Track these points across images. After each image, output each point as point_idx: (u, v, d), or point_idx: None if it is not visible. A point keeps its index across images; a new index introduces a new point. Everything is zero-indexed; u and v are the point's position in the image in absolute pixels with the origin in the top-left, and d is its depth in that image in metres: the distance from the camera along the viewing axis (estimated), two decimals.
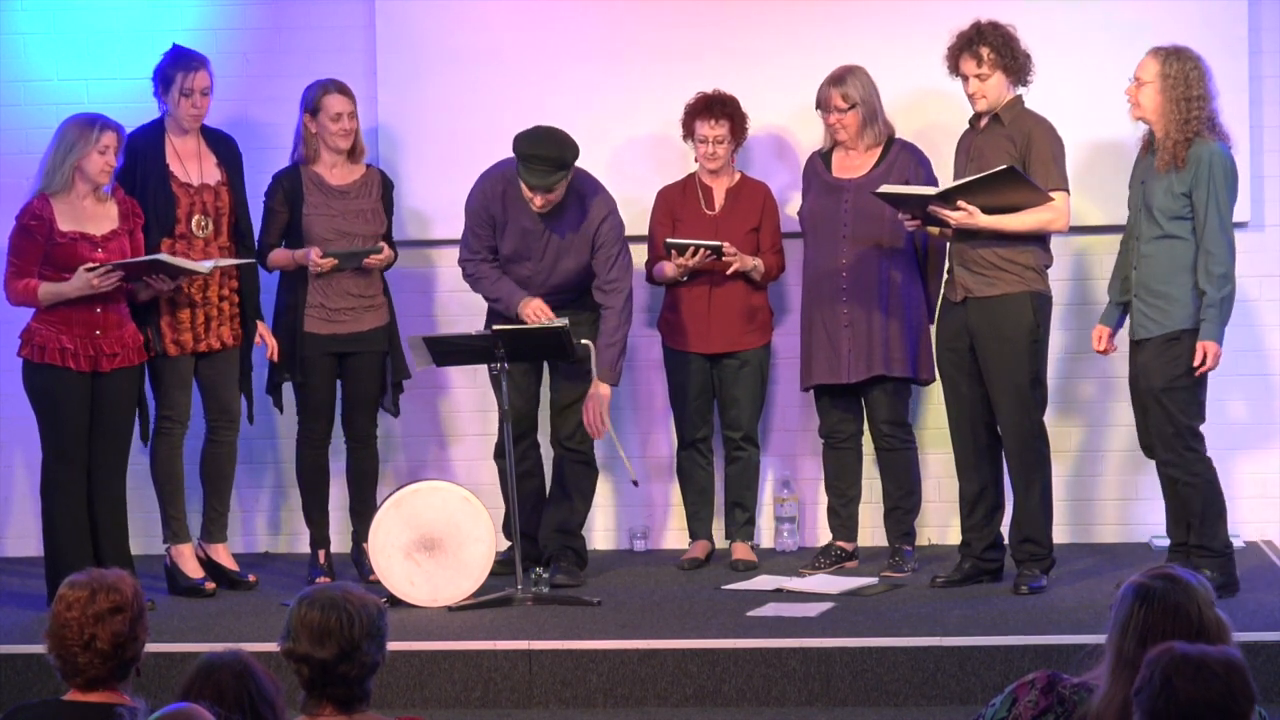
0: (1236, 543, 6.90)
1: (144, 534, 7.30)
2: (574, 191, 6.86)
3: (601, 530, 7.76)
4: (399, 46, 7.66)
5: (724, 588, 6.89)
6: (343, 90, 7.04)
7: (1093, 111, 7.22)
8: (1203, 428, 6.47)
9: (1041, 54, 6.76)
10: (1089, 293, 7.54)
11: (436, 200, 7.54)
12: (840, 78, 6.99)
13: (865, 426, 7.19)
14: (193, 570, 7.03)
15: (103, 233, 6.61)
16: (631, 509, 7.76)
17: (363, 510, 7.10)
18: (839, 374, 7.02)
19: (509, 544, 6.90)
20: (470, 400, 7.72)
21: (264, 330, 7.05)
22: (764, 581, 6.94)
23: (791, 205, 7.35)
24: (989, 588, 6.74)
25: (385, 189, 7.17)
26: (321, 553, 7.17)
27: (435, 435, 7.82)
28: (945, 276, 6.86)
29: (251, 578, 7.11)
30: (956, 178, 6.68)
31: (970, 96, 6.68)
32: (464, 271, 7.05)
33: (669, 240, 7.13)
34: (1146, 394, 6.44)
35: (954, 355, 6.75)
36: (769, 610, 6.46)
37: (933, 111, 7.34)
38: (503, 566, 6.83)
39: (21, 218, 6.57)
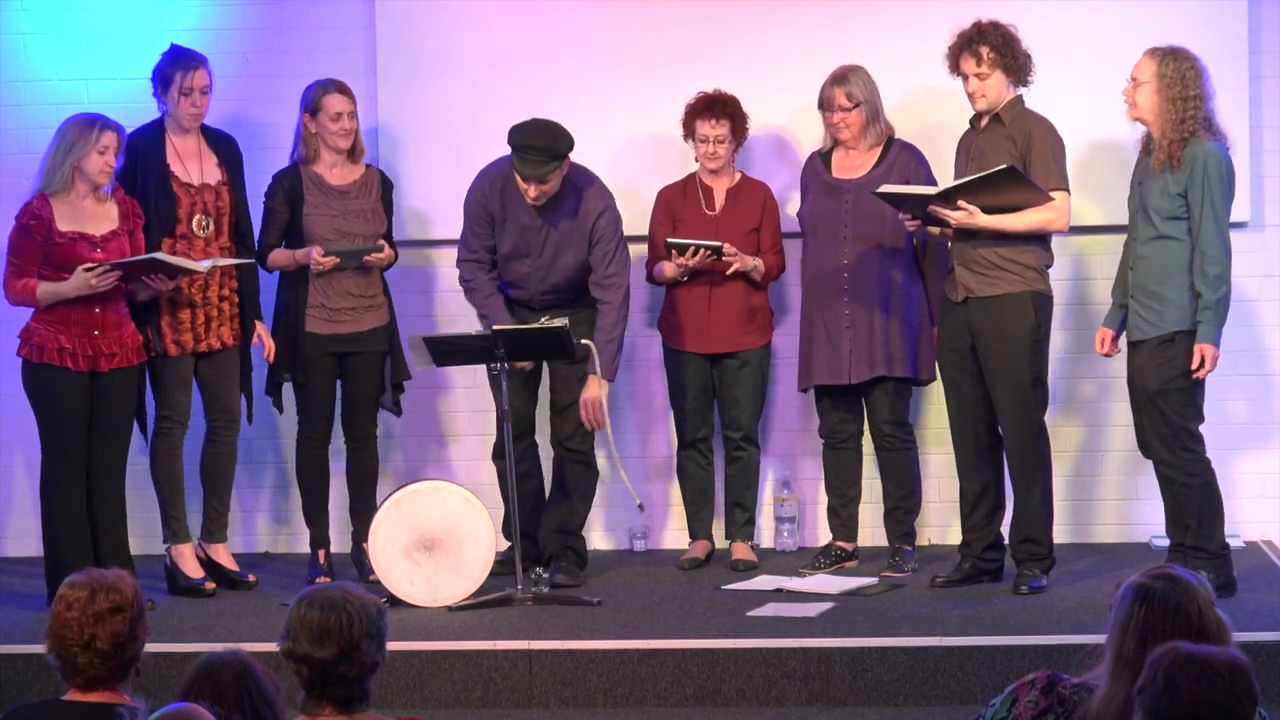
0: (1236, 543, 6.91)
1: (144, 534, 7.30)
2: (570, 185, 6.87)
3: (601, 530, 7.76)
4: (399, 46, 7.66)
5: (724, 588, 6.89)
6: (342, 90, 7.04)
7: (1093, 111, 7.22)
8: (1202, 428, 6.47)
9: (1042, 54, 6.76)
10: (1089, 293, 7.55)
11: (436, 200, 7.54)
12: (843, 77, 6.99)
13: (865, 426, 7.19)
14: (193, 570, 7.03)
15: (102, 233, 6.61)
16: (632, 509, 7.76)
17: (363, 510, 7.10)
18: (840, 374, 7.02)
19: (508, 544, 6.90)
20: (470, 400, 7.72)
21: (262, 331, 7.05)
22: (764, 581, 6.94)
23: (792, 205, 7.35)
24: (989, 588, 6.74)
25: (385, 189, 7.17)
26: (321, 553, 7.17)
27: (435, 435, 7.82)
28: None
29: (251, 578, 7.11)
30: (957, 177, 6.68)
31: (970, 96, 6.69)
32: (460, 274, 7.05)
33: (669, 240, 7.13)
34: (1143, 395, 6.44)
35: (955, 355, 6.75)
36: (769, 610, 6.46)
37: (933, 111, 7.34)
38: (503, 566, 6.83)
39: (21, 217, 6.57)
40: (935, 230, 6.78)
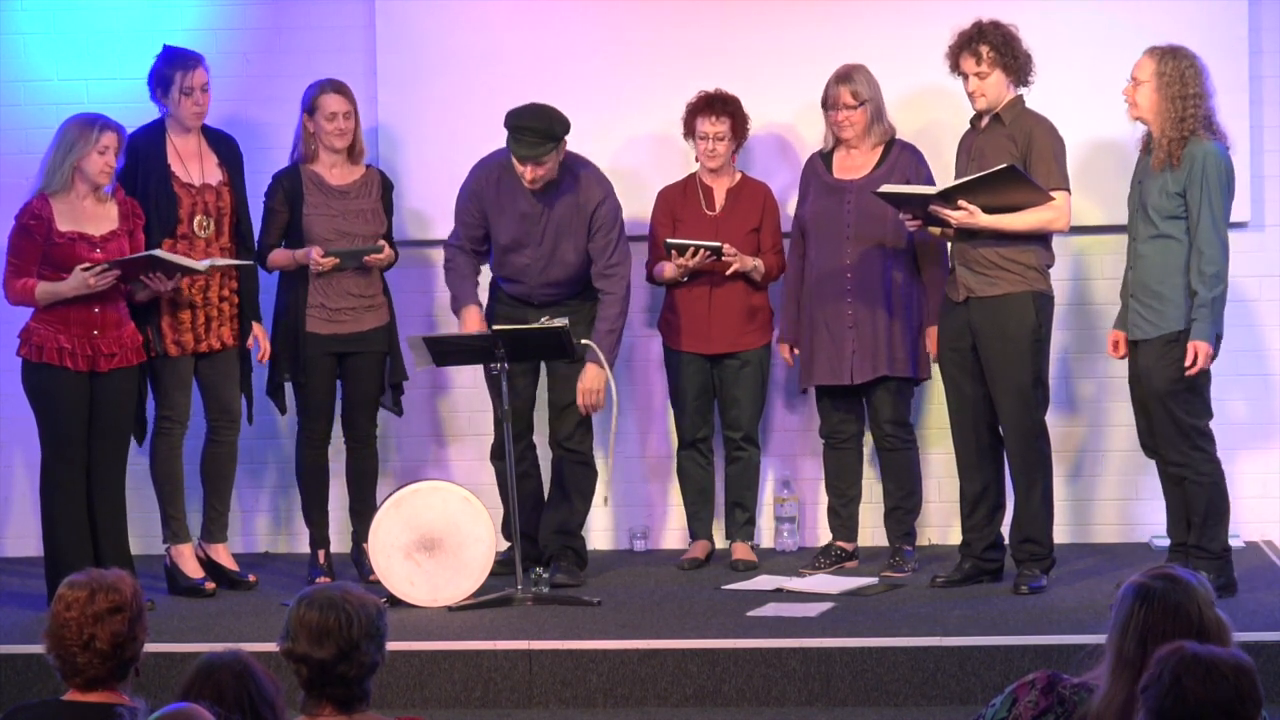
0: (1236, 543, 6.91)
1: (144, 534, 7.30)
2: (569, 173, 6.88)
3: (601, 530, 7.75)
4: (399, 46, 7.66)
5: (724, 588, 6.89)
6: (339, 90, 7.03)
7: (1093, 111, 7.22)
8: None
9: (1042, 54, 6.75)
10: (1089, 293, 7.54)
11: (436, 200, 7.53)
12: (848, 75, 6.99)
13: (865, 427, 7.19)
14: (193, 570, 7.03)
15: (101, 233, 6.61)
16: (631, 509, 7.76)
17: (363, 510, 7.10)
18: (842, 375, 7.02)
19: (508, 544, 6.90)
20: (469, 400, 7.71)
21: (259, 332, 7.05)
22: (764, 581, 6.94)
23: (793, 205, 7.33)
24: (989, 588, 6.73)
25: (385, 189, 7.17)
26: (321, 553, 7.16)
27: (435, 435, 7.82)
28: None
29: (251, 578, 7.11)
30: (958, 177, 6.68)
31: (970, 95, 6.69)
32: (445, 255, 7.08)
33: (669, 241, 7.13)
34: (1150, 397, 6.43)
35: (956, 355, 6.75)
36: (769, 610, 6.46)
37: (934, 110, 7.34)
38: (503, 566, 6.83)
39: (21, 217, 6.57)
40: (936, 230, 6.78)
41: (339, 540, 7.30)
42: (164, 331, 6.87)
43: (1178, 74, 6.32)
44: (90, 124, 6.55)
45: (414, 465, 7.78)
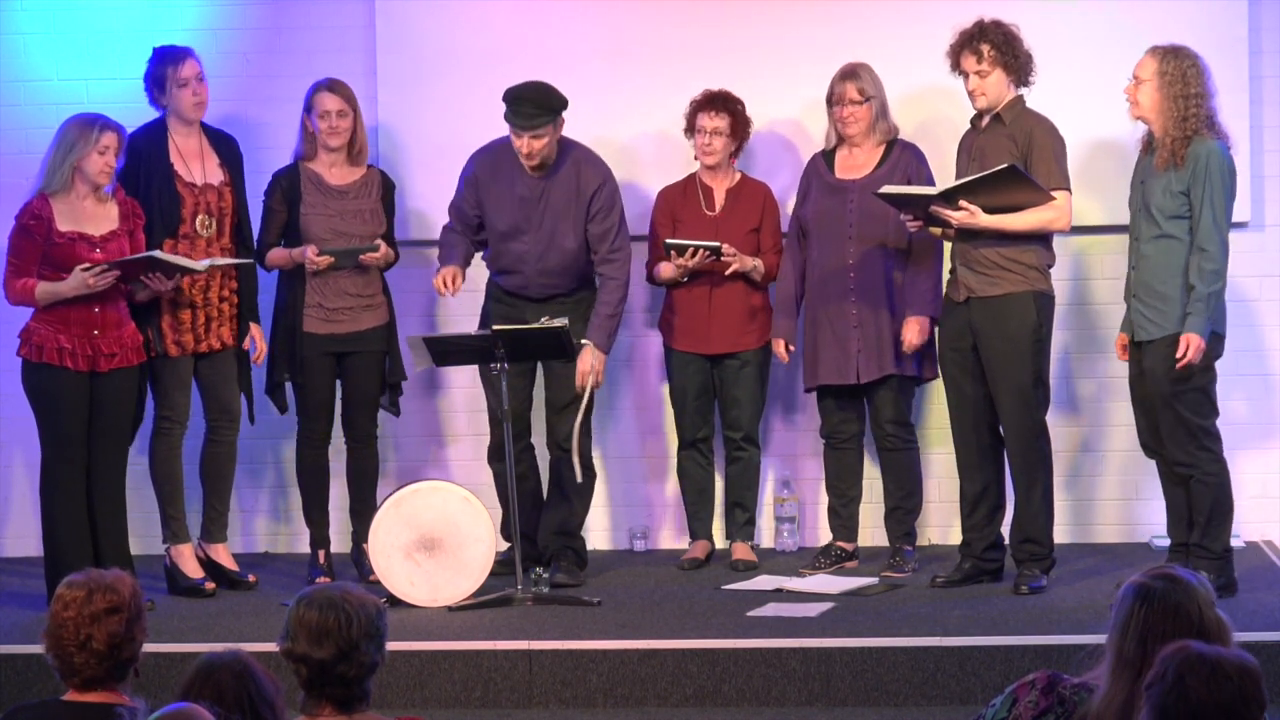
0: (1237, 543, 6.91)
1: (144, 534, 7.30)
2: (569, 156, 6.89)
3: (601, 530, 7.75)
4: (399, 46, 7.66)
5: (724, 588, 6.88)
6: (334, 89, 7.02)
7: (1093, 111, 7.22)
8: None
9: (1042, 54, 6.75)
10: (1090, 293, 7.54)
11: (437, 200, 7.52)
12: (853, 72, 7.00)
13: (866, 427, 7.19)
14: (192, 570, 7.02)
15: (101, 233, 6.61)
16: (631, 509, 7.76)
17: (363, 510, 7.10)
18: (847, 375, 7.02)
19: (508, 544, 6.90)
20: (468, 401, 7.71)
21: (256, 333, 7.05)
22: (764, 581, 6.94)
23: (792, 205, 7.33)
24: (989, 588, 6.73)
25: (386, 190, 7.17)
26: (321, 553, 7.16)
27: (434, 435, 7.82)
28: (948, 276, 6.86)
29: (251, 578, 7.11)
30: (958, 177, 6.68)
31: (971, 94, 6.68)
32: (441, 233, 7.11)
33: (668, 241, 7.13)
34: (1156, 397, 6.42)
35: (957, 355, 6.75)
36: (769, 610, 6.46)
37: (935, 109, 7.34)
38: (503, 566, 6.83)
39: (21, 217, 6.57)
40: (937, 230, 6.78)
41: (339, 540, 7.30)
42: (164, 331, 6.87)
43: (1180, 73, 6.32)
44: (90, 124, 6.55)
45: (413, 465, 7.78)
